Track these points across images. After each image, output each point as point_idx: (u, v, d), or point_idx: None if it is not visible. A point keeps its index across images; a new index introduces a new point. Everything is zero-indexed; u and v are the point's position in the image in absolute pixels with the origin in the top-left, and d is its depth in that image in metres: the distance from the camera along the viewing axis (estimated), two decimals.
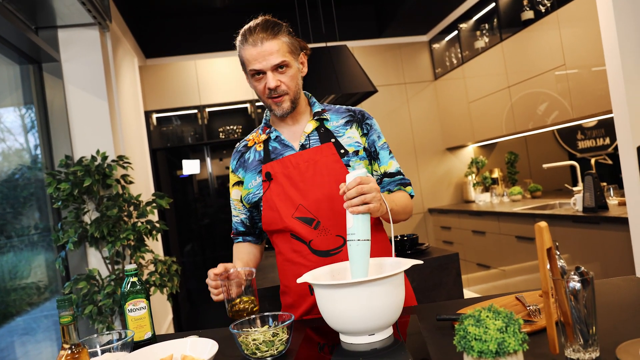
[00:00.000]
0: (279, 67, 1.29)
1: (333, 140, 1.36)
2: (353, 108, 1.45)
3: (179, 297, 4.63)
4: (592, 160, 3.58)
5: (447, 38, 4.96)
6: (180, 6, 4.69)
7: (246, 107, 4.84)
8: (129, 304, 1.26)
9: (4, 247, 3.00)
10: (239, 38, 1.32)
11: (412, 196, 1.44)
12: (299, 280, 1.09)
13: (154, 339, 1.30)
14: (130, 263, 2.92)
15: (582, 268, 0.87)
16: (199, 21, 4.97)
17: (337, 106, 1.47)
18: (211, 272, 1.24)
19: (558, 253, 0.95)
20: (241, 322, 1.12)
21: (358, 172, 1.12)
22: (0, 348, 2.95)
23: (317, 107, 1.42)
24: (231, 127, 4.80)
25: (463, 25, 4.65)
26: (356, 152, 1.36)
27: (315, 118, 1.39)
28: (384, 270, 1.17)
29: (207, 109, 4.74)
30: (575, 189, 3.58)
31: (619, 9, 2.48)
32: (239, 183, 1.44)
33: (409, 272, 2.17)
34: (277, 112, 1.34)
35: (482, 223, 4.09)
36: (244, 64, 1.33)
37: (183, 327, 4.57)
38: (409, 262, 1.10)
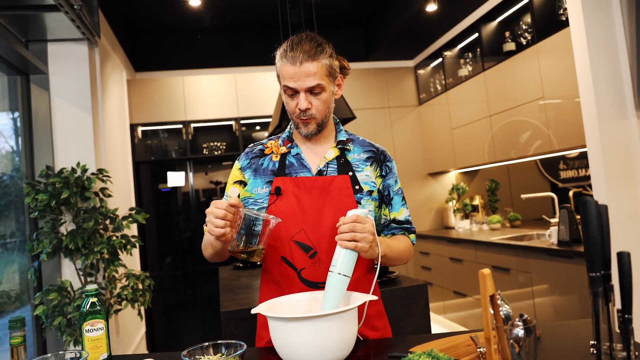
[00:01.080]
0: (313, 90, 1.29)
1: (350, 173, 1.36)
2: (376, 145, 1.46)
3: (153, 311, 4.60)
4: (570, 192, 3.66)
5: (432, 64, 5.07)
6: (171, 23, 4.76)
7: (231, 125, 4.89)
8: (87, 324, 1.28)
9: None
10: (280, 50, 1.33)
11: (414, 244, 1.46)
12: (253, 311, 1.12)
13: (110, 359, 1.31)
14: (103, 277, 2.92)
15: (526, 316, 0.91)
16: (188, 38, 5.04)
17: (362, 138, 1.48)
18: (223, 202, 1.18)
19: (500, 299, 1.00)
20: (194, 348, 1.14)
21: (359, 211, 1.18)
22: None
23: (343, 136, 1.42)
24: (215, 143, 4.84)
25: (447, 53, 4.76)
26: (370, 192, 1.36)
27: (339, 146, 1.39)
28: (348, 305, 1.21)
29: (192, 125, 4.78)
30: (552, 220, 3.65)
31: (593, 44, 2.56)
32: (241, 183, 1.42)
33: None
34: (303, 131, 1.34)
35: (459, 250, 4.15)
36: (279, 76, 1.33)
37: (156, 342, 4.54)
38: (361, 298, 1.14)
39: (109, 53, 3.73)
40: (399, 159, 5.19)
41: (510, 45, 3.81)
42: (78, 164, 2.86)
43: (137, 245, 2.95)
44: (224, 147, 4.87)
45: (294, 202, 1.34)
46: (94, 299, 1.31)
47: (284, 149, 1.42)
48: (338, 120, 1.49)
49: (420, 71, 5.28)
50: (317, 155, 1.41)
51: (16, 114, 2.95)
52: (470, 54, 4.46)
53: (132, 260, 3.99)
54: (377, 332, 1.41)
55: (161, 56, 4.99)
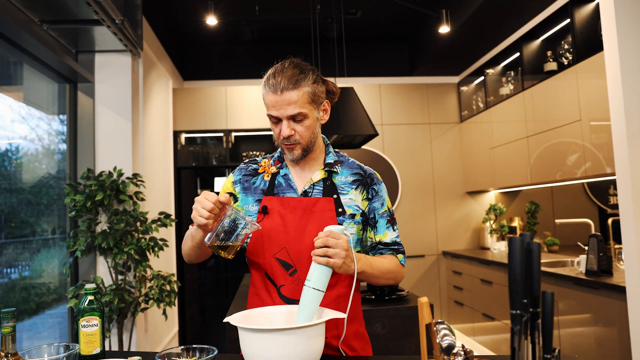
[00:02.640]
0: (295, 118, 1.32)
1: (335, 196, 1.39)
2: (365, 168, 1.48)
3: (188, 312, 4.79)
4: (609, 220, 3.49)
5: (475, 82, 5.00)
6: (216, 35, 4.98)
7: (270, 135, 5.03)
8: (83, 320, 1.40)
9: (23, 246, 3.25)
10: (264, 78, 1.36)
11: (402, 264, 1.45)
12: (225, 320, 1.19)
13: (102, 354, 1.42)
14: (134, 276, 3.10)
15: (466, 347, 0.92)
16: (231, 49, 5.25)
17: (351, 160, 1.50)
18: (213, 195, 1.22)
19: (446, 328, 1.01)
20: (169, 352, 1.23)
21: (335, 227, 1.23)
22: None
23: (331, 158, 1.45)
24: (255, 152, 4.99)
25: (490, 71, 4.68)
26: (352, 215, 1.38)
27: (326, 169, 1.43)
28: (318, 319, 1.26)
29: (233, 134, 4.96)
30: (586, 247, 3.49)
31: (626, 68, 2.47)
32: (232, 195, 1.46)
33: (379, 319, 2.22)
34: (289, 156, 1.39)
35: (490, 272, 4.04)
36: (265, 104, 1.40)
37: (187, 342, 4.72)
38: (330, 314, 1.18)
39: (154, 63, 3.96)
40: (437, 176, 5.13)
41: (551, 65, 3.70)
42: (115, 168, 3.06)
43: (164, 247, 3.10)
44: (263, 156, 5.01)
45: (279, 221, 1.39)
46: (92, 297, 1.43)
47: (274, 169, 1.49)
48: (328, 142, 1.53)
49: (464, 88, 5.21)
50: (304, 177, 1.46)
51: (64, 120, 3.21)
52: (512, 72, 4.36)
53: (167, 262, 4.19)
54: (354, 353, 1.43)
55: (206, 66, 5.23)
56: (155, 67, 3.98)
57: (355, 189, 1.44)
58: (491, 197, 5.18)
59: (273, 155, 1.53)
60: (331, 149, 1.51)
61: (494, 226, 4.85)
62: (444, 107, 5.24)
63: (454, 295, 4.79)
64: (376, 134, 2.87)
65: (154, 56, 3.92)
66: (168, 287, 3.25)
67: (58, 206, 3.21)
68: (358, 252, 1.43)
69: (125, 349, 3.07)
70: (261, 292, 1.44)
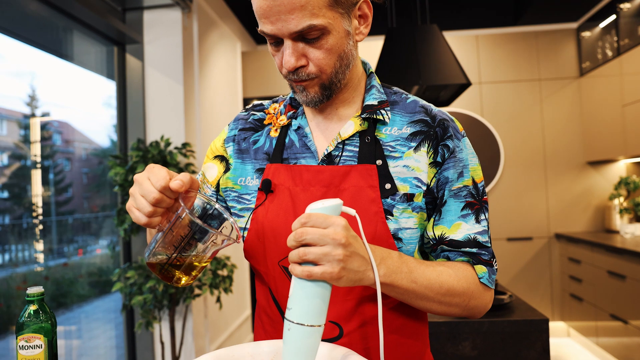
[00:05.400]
0: (306, 35, 0.78)
1: (379, 162, 0.85)
2: (434, 110, 0.90)
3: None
4: None
5: (602, 24, 3.98)
6: None
7: None
8: (21, 339, 0.99)
9: (75, 224, 3.06)
10: None
11: (485, 285, 0.86)
12: None
13: None
14: None
15: None
16: None
17: (411, 99, 0.92)
18: (162, 175, 0.71)
19: None
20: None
21: (319, 204, 0.68)
22: (59, 321, 3.02)
23: (374, 97, 0.89)
24: None
25: (625, 6, 3.66)
26: (409, 197, 0.84)
27: (365, 115, 0.87)
28: None
29: None
30: None
31: None
32: (222, 160, 0.97)
33: (468, 336, 1.61)
34: (300, 99, 0.86)
35: (622, 264, 3.18)
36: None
37: None
38: None
39: (215, 22, 3.56)
40: (549, 143, 4.23)
41: None
42: (162, 137, 2.71)
43: None
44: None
45: (288, 206, 0.86)
46: (34, 307, 1.01)
47: (284, 120, 0.93)
48: (372, 70, 0.94)
49: (585, 34, 4.21)
50: (331, 131, 0.90)
51: (113, 86, 2.92)
52: None
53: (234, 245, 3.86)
54: None
55: None
56: (216, 27, 3.58)
57: (416, 148, 0.86)
58: (621, 167, 4.17)
59: (285, 98, 0.98)
60: (375, 81, 0.92)
61: (625, 204, 3.89)
62: (558, 60, 4.29)
63: (571, 287, 3.94)
64: (469, 84, 2.18)
65: (215, 15, 3.51)
66: (226, 272, 2.89)
67: (110, 182, 2.96)
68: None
69: (178, 338, 2.76)
70: (263, 315, 0.93)
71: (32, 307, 1.00)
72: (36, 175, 2.78)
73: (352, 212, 0.70)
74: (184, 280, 0.73)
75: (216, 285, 2.71)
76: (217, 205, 0.78)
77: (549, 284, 4.17)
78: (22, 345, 0.98)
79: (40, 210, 2.78)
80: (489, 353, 1.58)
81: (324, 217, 0.66)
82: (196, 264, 0.73)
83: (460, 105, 4.25)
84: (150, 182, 0.71)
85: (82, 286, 3.21)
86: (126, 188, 2.59)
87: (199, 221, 0.69)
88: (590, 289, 3.62)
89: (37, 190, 2.78)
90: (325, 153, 0.87)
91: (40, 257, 2.80)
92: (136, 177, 0.73)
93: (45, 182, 2.86)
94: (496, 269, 0.88)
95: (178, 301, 2.65)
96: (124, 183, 2.54)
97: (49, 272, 2.85)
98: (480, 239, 0.86)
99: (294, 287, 0.67)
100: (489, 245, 0.87)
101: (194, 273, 0.73)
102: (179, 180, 0.71)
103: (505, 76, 4.27)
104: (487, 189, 4.22)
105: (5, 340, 2.44)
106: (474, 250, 0.86)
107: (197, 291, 2.74)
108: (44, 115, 2.80)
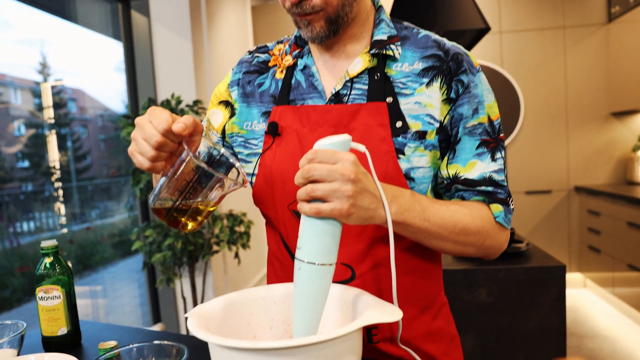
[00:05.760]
0: None
1: (390, 99, 0.82)
2: (447, 45, 0.85)
3: None
4: None
5: None
6: None
7: None
8: (40, 290, 1.01)
9: (95, 190, 3.11)
10: None
11: (500, 224, 0.84)
12: (185, 315, 0.70)
13: (73, 335, 1.03)
14: None
15: None
16: None
17: (423, 34, 0.87)
18: (165, 117, 0.68)
19: None
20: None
21: (329, 140, 0.66)
22: (85, 282, 3.13)
23: (383, 31, 0.85)
24: None
25: None
26: (421, 135, 0.81)
27: (373, 51, 0.83)
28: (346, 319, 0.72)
29: None
30: None
31: None
32: (227, 105, 0.95)
33: (484, 283, 1.61)
34: (306, 35, 0.83)
35: None
36: None
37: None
38: (366, 317, 0.62)
39: None
40: (571, 94, 4.10)
41: None
42: (172, 95, 2.68)
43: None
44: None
45: (295, 148, 0.84)
46: (50, 260, 1.02)
47: (289, 60, 0.90)
48: (380, 4, 0.89)
49: None
50: (339, 69, 0.87)
51: (119, 45, 2.88)
52: None
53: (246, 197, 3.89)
54: None
55: None
56: None
57: (428, 83, 0.82)
58: None
59: (290, 38, 0.94)
60: (385, 15, 0.88)
61: None
62: (584, 5, 4.09)
63: (589, 239, 3.90)
64: (488, 29, 2.08)
65: None
66: (242, 228, 2.92)
67: (124, 142, 2.97)
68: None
69: (199, 293, 2.83)
70: (274, 261, 0.94)
71: (48, 260, 1.02)
72: (53, 143, 2.81)
73: (361, 148, 0.67)
74: (190, 225, 0.73)
75: (234, 242, 2.75)
76: (222, 150, 0.76)
77: (566, 236, 4.14)
78: (42, 297, 1.01)
79: (60, 177, 2.83)
80: (505, 300, 1.58)
81: (332, 152, 0.63)
82: (202, 208, 0.72)
83: (479, 56, 4.12)
84: (152, 125, 0.68)
85: (105, 248, 3.30)
86: None
87: (204, 165, 0.67)
88: (609, 241, 3.58)
89: (55, 158, 2.81)
90: (333, 92, 0.84)
91: (64, 223, 2.88)
92: (137, 120, 0.71)
93: (63, 149, 2.90)
94: (512, 209, 0.86)
95: (197, 258, 2.70)
96: None
97: (73, 236, 2.94)
98: (496, 177, 0.84)
99: (303, 226, 0.65)
100: (506, 184, 0.85)
101: (200, 218, 0.73)
102: (181, 123, 0.68)
103: (527, 24, 4.10)
104: (505, 143, 4.14)
105: (33, 302, 2.53)
106: (490, 188, 0.83)
107: (215, 247, 2.78)
108: (57, 81, 2.80)
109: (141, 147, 0.69)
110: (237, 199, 3.30)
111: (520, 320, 1.60)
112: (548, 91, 4.12)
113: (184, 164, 0.69)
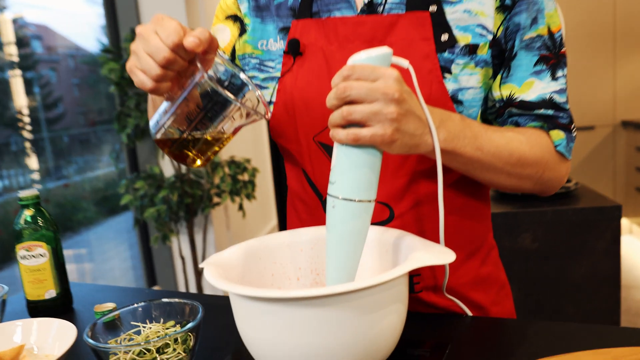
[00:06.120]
0: None
1: (434, 8, 0.76)
2: None
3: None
4: None
5: None
6: None
7: None
8: (21, 248, 0.97)
9: (72, 142, 3.05)
10: None
11: (562, 154, 0.81)
12: (201, 266, 0.66)
13: (63, 298, 1.00)
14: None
15: None
16: None
17: None
18: (174, 27, 0.60)
19: None
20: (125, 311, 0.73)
21: (367, 53, 0.60)
22: (67, 245, 3.13)
23: None
24: None
25: None
26: (472, 49, 0.76)
27: None
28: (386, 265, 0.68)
29: None
30: None
31: None
32: (236, 20, 0.89)
33: (529, 227, 1.57)
34: None
35: None
36: None
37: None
38: (416, 261, 0.58)
39: None
40: (621, 15, 3.92)
41: None
42: None
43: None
44: None
45: (322, 68, 0.79)
46: (30, 212, 0.98)
47: None
48: None
49: None
50: None
51: None
52: None
53: (251, 142, 3.83)
54: (478, 312, 0.87)
55: None
56: None
57: None
58: None
59: None
60: None
61: None
62: None
63: (637, 180, 3.85)
64: None
65: None
66: (246, 177, 2.88)
67: (106, 83, 2.89)
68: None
69: (199, 251, 2.83)
70: (297, 203, 0.91)
71: (28, 212, 0.98)
72: (18, 88, 2.71)
73: (405, 63, 0.62)
74: (199, 161, 0.68)
75: (237, 192, 2.72)
76: (242, 74, 0.69)
77: (611, 177, 4.09)
78: (24, 255, 0.97)
79: (28, 128, 2.76)
80: (551, 245, 1.55)
81: (372, 67, 0.57)
82: (215, 141, 0.67)
83: None
84: (158, 37, 0.60)
85: (87, 206, 3.27)
86: (124, 87, 2.52)
87: (221, 89, 0.61)
88: None
89: (22, 105, 2.72)
90: (366, 1, 0.78)
91: (37, 179, 2.83)
92: (140, 30, 0.62)
93: (30, 95, 2.81)
94: (575, 136, 0.82)
95: (196, 211, 2.68)
96: (121, 81, 2.47)
97: (48, 195, 2.90)
98: (558, 98, 0.79)
99: (337, 157, 0.61)
100: (567, 107, 0.81)
101: (209, 153, 0.68)
102: (194, 37, 0.59)
103: None
104: None
105: (11, 268, 2.53)
106: (550, 112, 0.79)
107: (215, 199, 2.75)
108: (16, 14, 2.69)
109: (144, 64, 0.61)
110: (239, 143, 3.25)
111: (568, 268, 1.57)
112: (593, 11, 3.94)
113: (197, 86, 0.63)
